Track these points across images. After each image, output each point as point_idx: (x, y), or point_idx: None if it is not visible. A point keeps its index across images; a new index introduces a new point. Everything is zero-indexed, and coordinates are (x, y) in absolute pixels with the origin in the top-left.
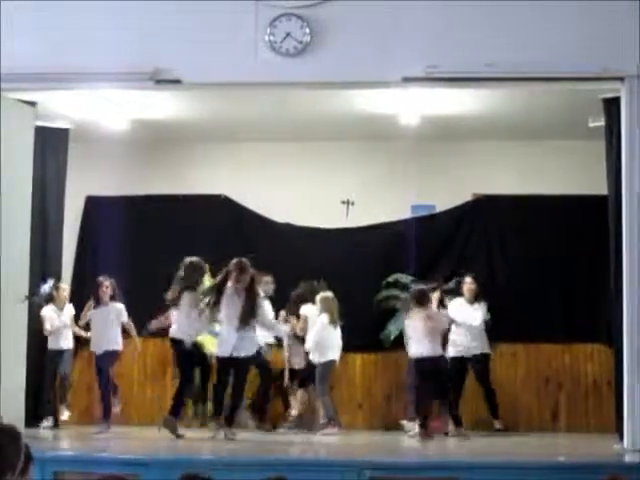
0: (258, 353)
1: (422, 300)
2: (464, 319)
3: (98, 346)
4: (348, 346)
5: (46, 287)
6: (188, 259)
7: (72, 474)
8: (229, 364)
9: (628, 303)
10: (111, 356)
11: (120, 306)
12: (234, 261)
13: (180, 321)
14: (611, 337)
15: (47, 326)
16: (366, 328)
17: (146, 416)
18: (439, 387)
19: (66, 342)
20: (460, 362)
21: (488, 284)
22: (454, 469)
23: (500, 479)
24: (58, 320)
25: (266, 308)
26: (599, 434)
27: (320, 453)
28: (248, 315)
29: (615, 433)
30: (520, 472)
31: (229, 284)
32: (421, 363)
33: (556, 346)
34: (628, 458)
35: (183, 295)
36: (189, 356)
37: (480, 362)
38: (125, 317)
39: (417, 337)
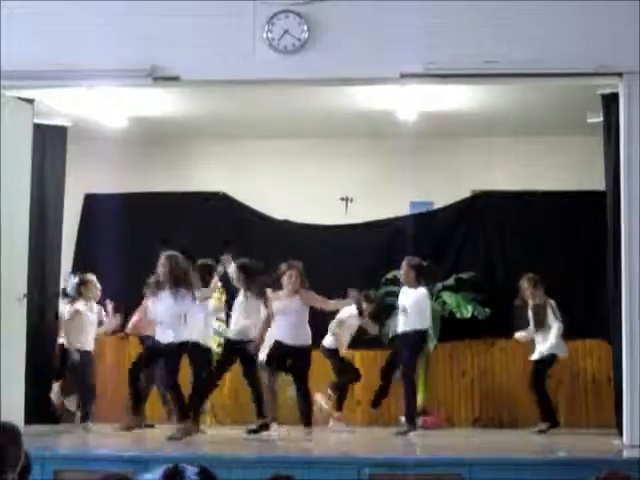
0: None
1: None
2: None
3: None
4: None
5: (71, 282)
6: None
7: (73, 472)
8: None
9: (627, 298)
10: None
11: None
12: None
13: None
14: (610, 333)
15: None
16: None
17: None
18: None
19: (91, 343)
20: None
21: (487, 280)
22: (454, 465)
23: (500, 475)
24: (90, 317)
25: None
26: (598, 430)
27: (319, 450)
28: None
29: (614, 429)
30: (520, 468)
31: None
32: None
33: None
34: (627, 454)
35: None
36: None
37: None
38: None
39: None
